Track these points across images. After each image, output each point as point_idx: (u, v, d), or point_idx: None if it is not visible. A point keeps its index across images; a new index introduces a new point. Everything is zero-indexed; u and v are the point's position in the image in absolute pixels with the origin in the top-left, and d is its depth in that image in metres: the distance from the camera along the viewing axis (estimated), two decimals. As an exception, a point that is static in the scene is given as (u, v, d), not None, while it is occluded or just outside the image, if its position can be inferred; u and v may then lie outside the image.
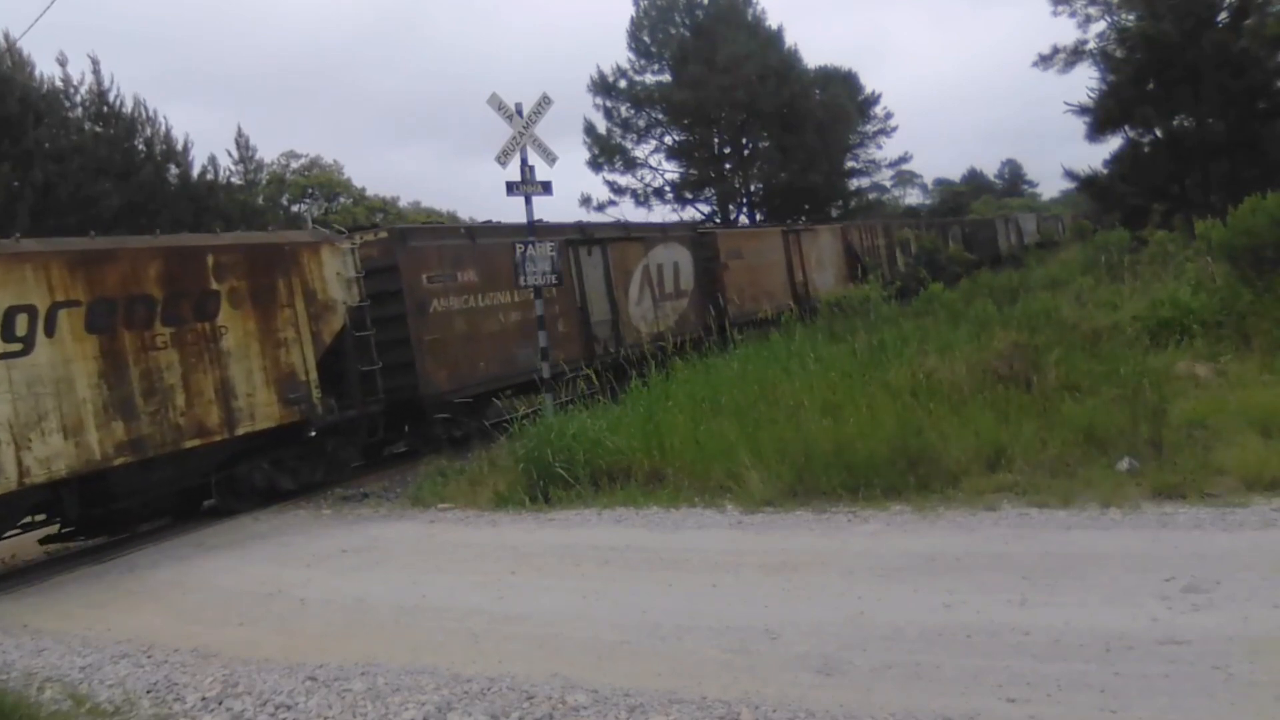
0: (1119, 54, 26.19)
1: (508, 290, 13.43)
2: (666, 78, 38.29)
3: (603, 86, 38.66)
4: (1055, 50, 27.64)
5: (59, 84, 20.19)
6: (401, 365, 11.89)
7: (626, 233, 17.36)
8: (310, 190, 38.44)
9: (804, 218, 36.36)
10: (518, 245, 11.45)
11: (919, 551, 5.66)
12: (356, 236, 12.21)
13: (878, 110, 47.25)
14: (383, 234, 12.44)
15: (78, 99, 20.56)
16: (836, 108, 40.44)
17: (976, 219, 45.54)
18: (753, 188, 40.77)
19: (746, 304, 19.77)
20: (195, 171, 21.89)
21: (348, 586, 6.74)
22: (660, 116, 38.73)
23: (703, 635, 4.84)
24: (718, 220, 37.79)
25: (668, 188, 39.43)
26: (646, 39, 38.64)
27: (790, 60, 39.05)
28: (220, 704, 4.81)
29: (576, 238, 15.53)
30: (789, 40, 39.67)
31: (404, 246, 12.30)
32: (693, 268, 18.60)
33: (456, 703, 4.42)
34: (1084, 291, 16.11)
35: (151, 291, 9.21)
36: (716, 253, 19.33)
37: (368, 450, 12.55)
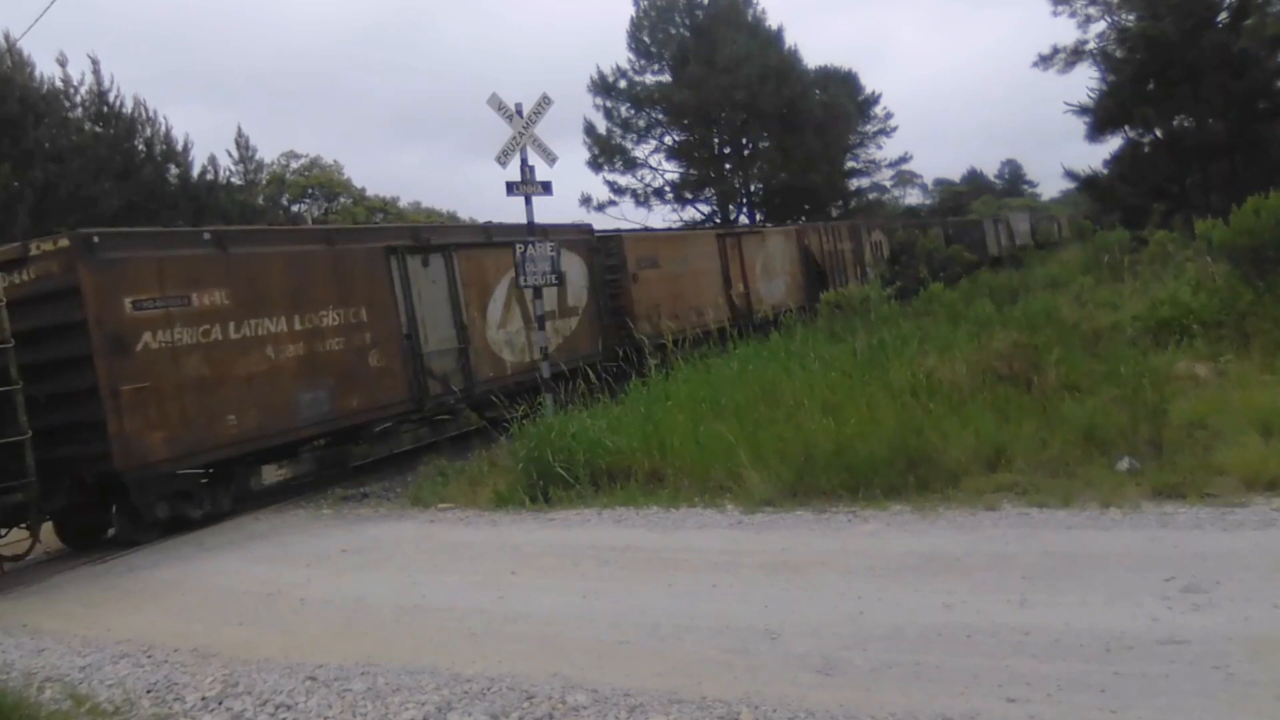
0: (1119, 54, 26.20)
1: (282, 315, 10.25)
2: (666, 78, 38.31)
3: (603, 86, 38.67)
4: (1055, 50, 27.67)
5: (59, 84, 20.22)
6: (85, 426, 8.77)
7: (486, 237, 13.88)
8: (310, 190, 38.45)
9: (803, 217, 36.37)
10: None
11: (919, 551, 5.66)
12: (32, 246, 9.05)
13: (878, 110, 47.31)
14: (63, 242, 8.86)
15: (78, 99, 20.58)
16: (836, 108, 40.46)
17: (962, 219, 43.21)
18: (753, 188, 40.79)
19: (664, 322, 16.14)
20: (195, 171, 21.92)
21: (348, 586, 6.74)
22: (660, 116, 38.75)
23: (703, 635, 4.84)
24: (718, 220, 37.82)
25: (668, 188, 39.47)
26: (646, 39, 38.65)
27: (790, 60, 39.06)
28: (220, 704, 4.81)
29: (402, 244, 12.06)
30: (789, 40, 39.74)
31: (92, 260, 8.75)
32: (587, 279, 15.41)
33: (456, 703, 4.42)
34: (1084, 291, 16.13)
35: None
36: (623, 261, 16.28)
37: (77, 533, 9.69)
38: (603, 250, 16.21)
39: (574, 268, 14.98)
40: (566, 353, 13.92)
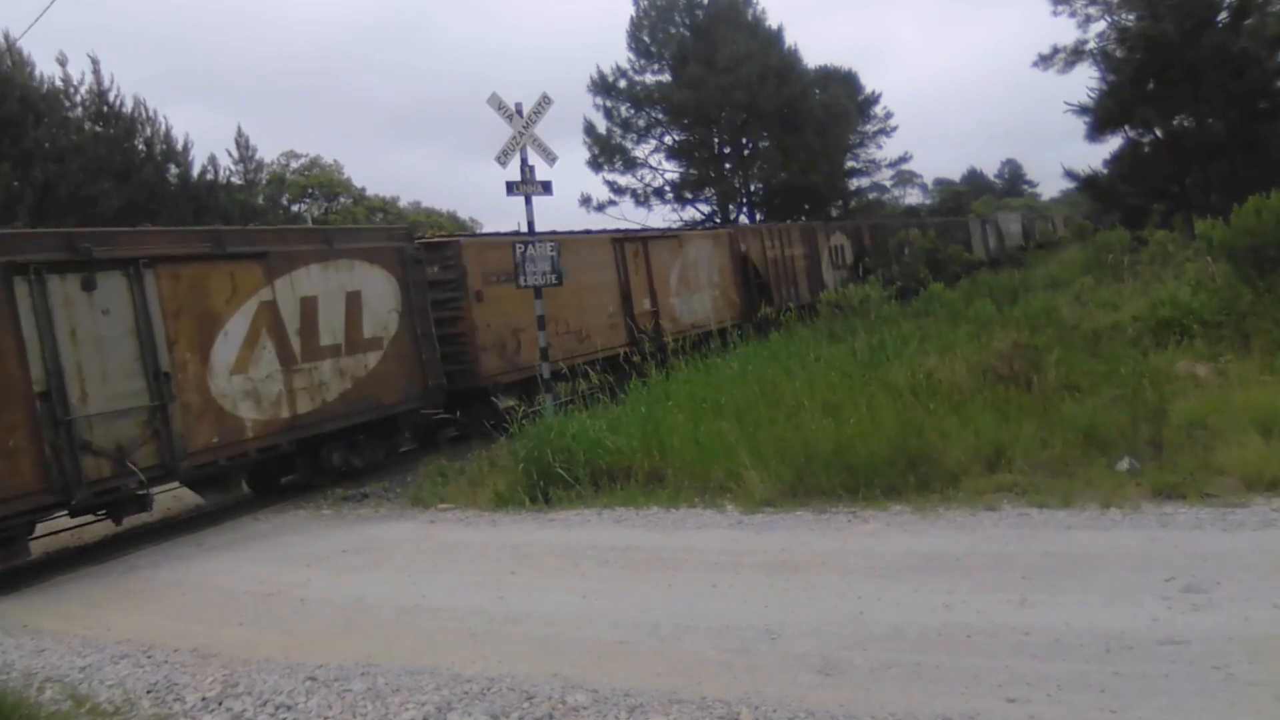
0: (1119, 54, 26.18)
1: None
2: (666, 78, 38.30)
3: (603, 86, 38.65)
4: (1055, 50, 27.63)
5: (59, 84, 20.24)
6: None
7: (214, 246, 9.77)
8: (310, 190, 38.47)
9: (803, 217, 36.36)
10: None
11: (919, 551, 5.66)
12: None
13: (878, 110, 47.28)
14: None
15: (78, 99, 20.60)
16: (836, 108, 40.44)
17: (944, 219, 40.77)
18: (753, 188, 40.78)
19: (525, 352, 13.08)
20: (195, 171, 21.93)
21: (348, 586, 6.74)
22: (660, 116, 38.73)
23: (703, 635, 4.84)
24: (718, 220, 37.81)
25: (668, 188, 39.45)
26: (646, 39, 38.63)
27: (790, 60, 39.04)
28: (220, 704, 4.81)
29: (39, 258, 8.27)
30: (789, 40, 39.71)
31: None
32: (397, 299, 11.61)
33: (456, 703, 4.42)
34: (1084, 291, 16.12)
35: None
36: (462, 275, 12.73)
37: None
38: (432, 260, 12.68)
39: (374, 285, 11.33)
40: (356, 401, 10.92)
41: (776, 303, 20.13)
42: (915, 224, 34.23)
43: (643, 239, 17.53)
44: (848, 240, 27.00)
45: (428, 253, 12.76)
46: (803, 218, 36.15)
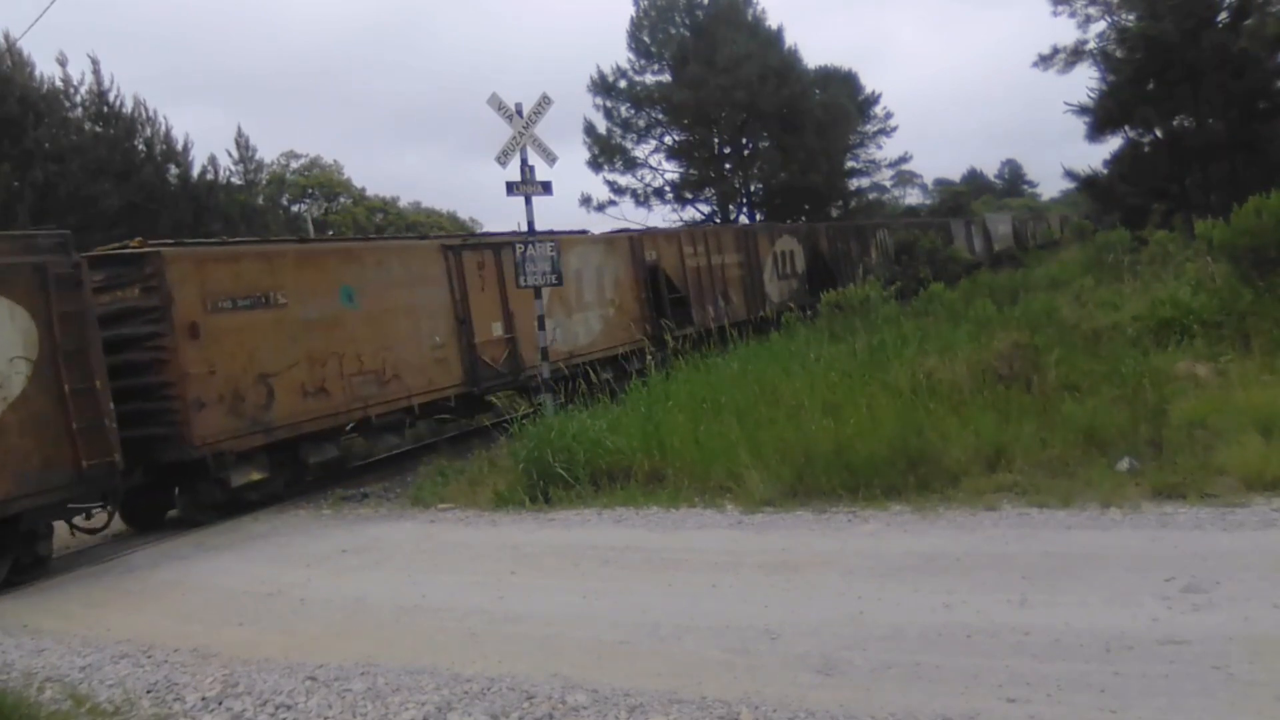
0: (1119, 54, 26.16)
1: None
2: (666, 78, 38.28)
3: (603, 86, 38.65)
4: (1055, 50, 27.59)
5: (59, 84, 20.23)
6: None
7: None
8: (310, 190, 38.48)
9: (803, 217, 36.34)
10: (517, 245, 11.45)
11: (919, 551, 5.66)
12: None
13: (878, 110, 47.26)
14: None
15: (78, 99, 20.60)
16: (836, 108, 40.41)
17: (923, 220, 38.33)
18: (753, 188, 40.77)
19: (279, 407, 10.04)
20: (195, 171, 21.93)
21: (348, 586, 6.74)
22: (660, 116, 38.72)
23: (703, 635, 4.84)
24: (717, 220, 37.82)
25: (668, 188, 39.44)
26: (646, 39, 38.62)
27: (790, 60, 39.02)
28: (220, 704, 4.81)
29: None
30: (789, 40, 39.69)
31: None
32: (29, 344, 8.12)
33: (456, 703, 4.42)
34: (1084, 291, 16.12)
35: None
36: (167, 300, 9.26)
37: None
38: (118, 281, 9.46)
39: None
40: None
41: (698, 321, 17.37)
42: (883, 225, 30.94)
43: (494, 245, 13.69)
44: (799, 245, 23.34)
45: (109, 270, 9.41)
46: (803, 218, 36.14)
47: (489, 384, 12.74)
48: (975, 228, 37.50)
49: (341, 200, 38.80)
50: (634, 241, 17.14)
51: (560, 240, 13.26)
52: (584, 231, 17.40)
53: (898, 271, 25.61)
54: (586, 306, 15.35)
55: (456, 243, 13.36)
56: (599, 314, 15.68)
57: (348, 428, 10.85)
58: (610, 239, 16.98)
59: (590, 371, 11.94)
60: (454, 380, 12.45)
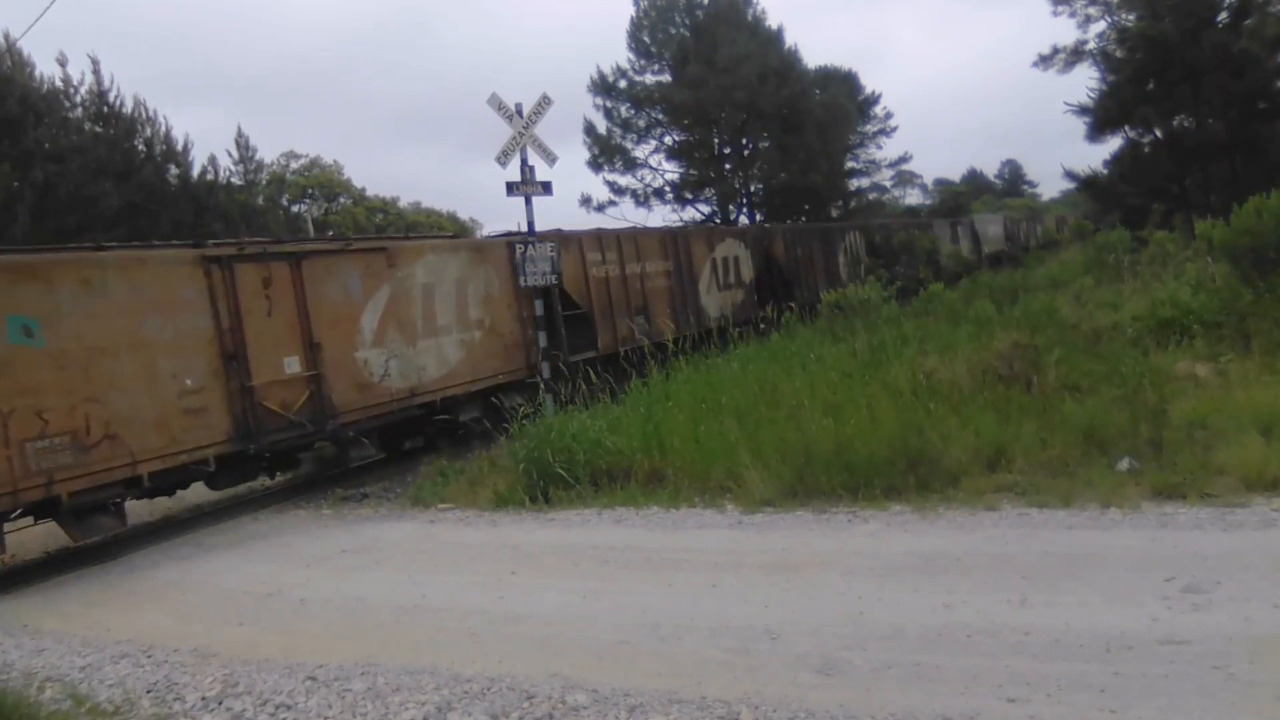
0: (1119, 54, 26.16)
1: None
2: (666, 78, 38.27)
3: (603, 86, 38.64)
4: (1055, 50, 27.59)
5: (59, 84, 20.21)
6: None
7: None
8: (310, 190, 38.49)
9: (803, 217, 36.33)
10: (517, 245, 11.46)
11: (919, 551, 5.66)
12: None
13: (878, 110, 47.23)
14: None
15: (78, 99, 20.58)
16: (836, 108, 40.39)
17: (902, 221, 35.57)
18: (753, 188, 40.76)
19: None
20: (195, 172, 21.91)
21: (348, 586, 6.74)
22: (660, 116, 38.70)
23: (703, 635, 4.84)
24: (717, 220, 37.82)
25: (668, 188, 39.41)
26: (646, 39, 38.61)
27: (790, 60, 39.01)
28: (220, 704, 4.81)
29: None
30: (789, 40, 39.65)
31: None
32: None
33: (456, 703, 4.42)
34: (1084, 291, 16.12)
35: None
36: None
37: None
38: None
39: None
40: None
41: (604, 343, 14.80)
42: (857, 227, 28.23)
43: (290, 256, 10.37)
44: (746, 251, 20.37)
45: None
46: (803, 218, 36.11)
47: (276, 438, 9.85)
48: (963, 229, 35.16)
49: (341, 200, 38.82)
50: (514, 249, 13.20)
51: (393, 249, 11.57)
52: (454, 236, 15.11)
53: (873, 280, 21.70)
54: (440, 330, 12.06)
55: (228, 252, 9.86)
56: (459, 338, 12.36)
57: (13, 514, 8.07)
58: (479, 245, 13.80)
59: (447, 412, 11.38)
60: (215, 436, 9.38)
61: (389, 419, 11.22)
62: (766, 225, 25.33)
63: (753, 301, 20.01)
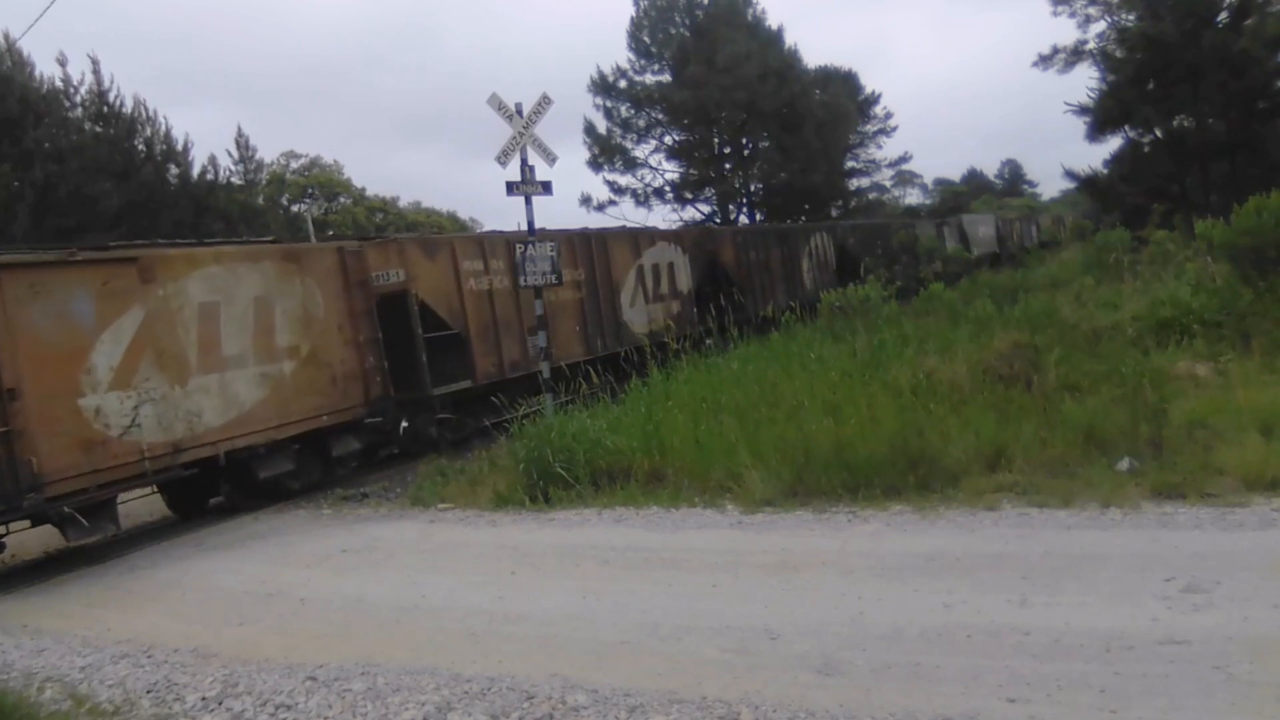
0: (1119, 54, 26.17)
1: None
2: (666, 78, 38.31)
3: (603, 86, 38.67)
4: (1055, 50, 27.61)
5: (59, 84, 20.24)
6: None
7: None
8: (310, 190, 38.50)
9: (803, 217, 36.32)
10: (518, 245, 11.46)
11: (919, 551, 5.66)
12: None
13: (878, 110, 47.28)
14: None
15: (78, 99, 20.61)
16: (836, 108, 40.42)
17: (883, 223, 33.34)
18: (753, 188, 40.79)
19: None
20: (195, 172, 21.93)
21: (348, 586, 6.74)
22: (660, 116, 38.73)
23: (703, 635, 4.84)
24: (717, 220, 37.83)
25: (668, 188, 39.47)
26: (646, 39, 38.64)
27: (790, 60, 39.05)
28: (220, 704, 4.81)
29: None
30: (789, 40, 39.74)
31: None
32: None
33: (456, 703, 4.42)
34: (1084, 291, 16.10)
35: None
36: None
37: None
38: None
39: None
40: None
41: (483, 371, 12.67)
42: (828, 229, 26.01)
43: None
44: (683, 256, 17.92)
45: None
46: (803, 218, 36.11)
47: None
48: (950, 230, 33.22)
49: (341, 200, 38.83)
50: (351, 257, 11.38)
51: (155, 259, 9.28)
52: (270, 241, 12.13)
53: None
54: (228, 363, 9.72)
55: None
56: (258, 372, 10.02)
57: None
58: (293, 253, 10.95)
59: (239, 468, 9.57)
60: None
61: (137, 484, 8.95)
62: (711, 227, 22.52)
63: (691, 314, 17.48)
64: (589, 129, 38.77)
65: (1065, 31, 77.35)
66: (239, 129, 28.28)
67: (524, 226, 11.93)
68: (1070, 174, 30.35)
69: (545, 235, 14.48)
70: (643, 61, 38.86)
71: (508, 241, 13.34)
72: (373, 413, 11.32)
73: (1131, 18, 25.61)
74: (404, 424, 11.51)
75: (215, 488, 10.30)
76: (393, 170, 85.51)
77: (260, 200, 25.98)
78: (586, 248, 15.33)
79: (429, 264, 12.28)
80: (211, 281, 9.71)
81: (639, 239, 17.21)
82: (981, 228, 36.67)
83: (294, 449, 10.35)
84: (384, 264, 11.88)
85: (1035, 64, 28.16)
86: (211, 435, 9.46)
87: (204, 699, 4.90)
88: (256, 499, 10.10)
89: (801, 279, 22.53)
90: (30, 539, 9.41)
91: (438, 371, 11.88)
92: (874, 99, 47.05)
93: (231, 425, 9.67)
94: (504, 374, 12.97)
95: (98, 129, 20.49)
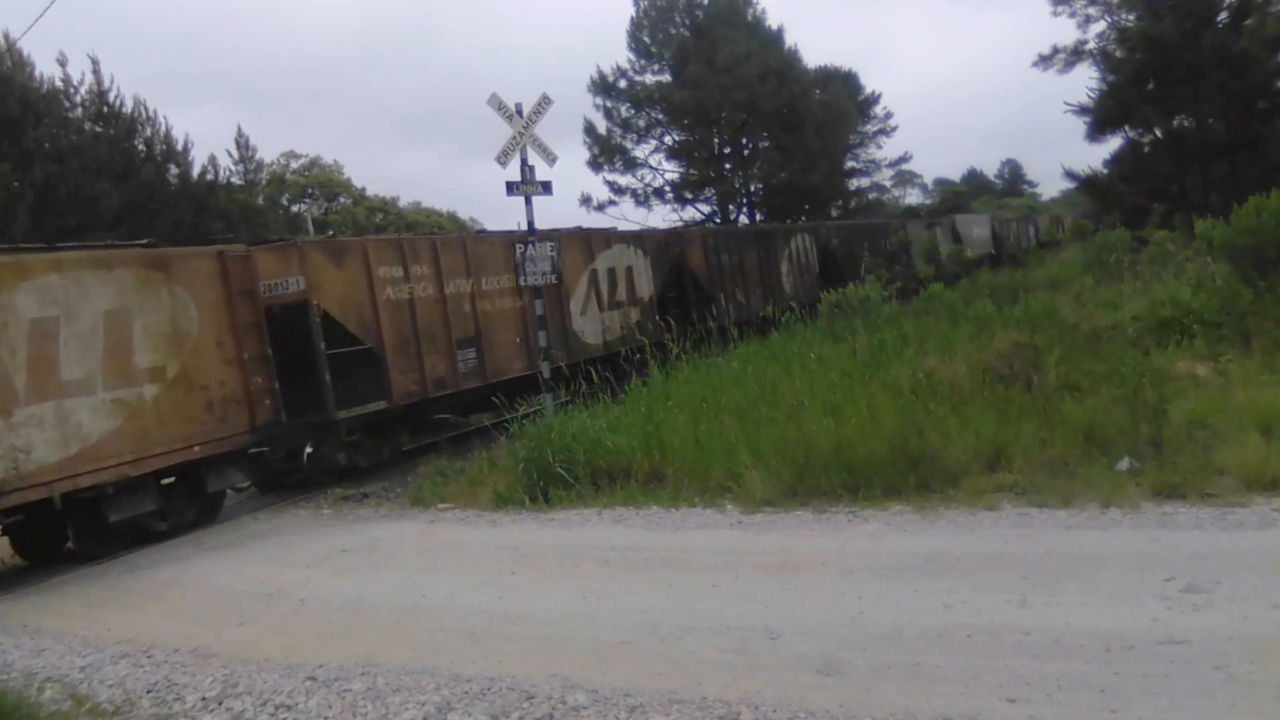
0: (1119, 54, 26.15)
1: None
2: (666, 78, 38.30)
3: (603, 86, 38.66)
4: (1055, 50, 27.57)
5: (59, 84, 20.21)
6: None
7: None
8: (310, 190, 38.49)
9: (803, 217, 36.31)
10: (518, 245, 11.47)
11: (919, 551, 5.66)
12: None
13: (878, 110, 47.28)
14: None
15: (78, 99, 20.58)
16: (836, 108, 40.41)
17: (869, 224, 32.14)
18: (753, 188, 40.79)
19: None
20: (195, 172, 21.91)
21: (348, 586, 6.74)
22: (660, 116, 38.72)
23: (703, 635, 4.84)
24: (718, 220, 37.83)
25: (668, 188, 39.45)
26: (646, 39, 38.64)
27: (790, 60, 39.04)
28: (220, 704, 4.81)
29: None
30: (789, 40, 39.72)
31: None
32: None
33: (456, 703, 4.42)
34: (1084, 291, 16.09)
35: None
36: None
37: None
38: None
39: None
40: None
41: (399, 390, 11.37)
42: (809, 230, 24.40)
43: None
44: (644, 260, 16.57)
45: None
46: (803, 218, 36.09)
47: None
48: (942, 231, 31.97)
49: (341, 200, 38.83)
50: (234, 262, 10.31)
51: None
52: (126, 246, 10.12)
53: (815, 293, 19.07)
54: (69, 388, 8.52)
55: None
56: (110, 399, 8.82)
57: None
58: (157, 259, 9.66)
59: (81, 509, 8.49)
60: None
61: None
62: (679, 229, 20.55)
63: (654, 323, 16.17)
64: (589, 129, 38.79)
65: (1065, 31, 77.39)
66: (239, 129, 28.25)
67: (524, 226, 11.93)
68: (1070, 174, 30.33)
69: (482, 238, 14.18)
70: (643, 61, 38.86)
71: (433, 244, 12.53)
72: (260, 441, 10.21)
73: (1131, 18, 25.59)
74: (308, 450, 10.47)
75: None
76: (393, 170, 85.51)
77: (260, 200, 25.96)
78: (468, 254, 13.34)
79: (335, 271, 10.91)
80: (48, 294, 8.40)
81: (592, 241, 15.86)
82: (976, 228, 35.62)
83: (156, 486, 9.14)
84: (280, 270, 10.54)
85: (1035, 64, 28.13)
86: (45, 474, 8.13)
87: (204, 699, 4.90)
88: (112, 543, 8.83)
89: (780, 282, 21.57)
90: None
91: (345, 392, 10.64)
92: (874, 99, 47.08)
93: (72, 461, 8.34)
94: (427, 392, 11.79)
95: (98, 129, 20.47)
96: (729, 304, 18.72)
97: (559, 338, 14.00)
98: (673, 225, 36.45)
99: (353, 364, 10.80)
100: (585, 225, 17.86)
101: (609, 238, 16.65)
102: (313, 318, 10.43)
